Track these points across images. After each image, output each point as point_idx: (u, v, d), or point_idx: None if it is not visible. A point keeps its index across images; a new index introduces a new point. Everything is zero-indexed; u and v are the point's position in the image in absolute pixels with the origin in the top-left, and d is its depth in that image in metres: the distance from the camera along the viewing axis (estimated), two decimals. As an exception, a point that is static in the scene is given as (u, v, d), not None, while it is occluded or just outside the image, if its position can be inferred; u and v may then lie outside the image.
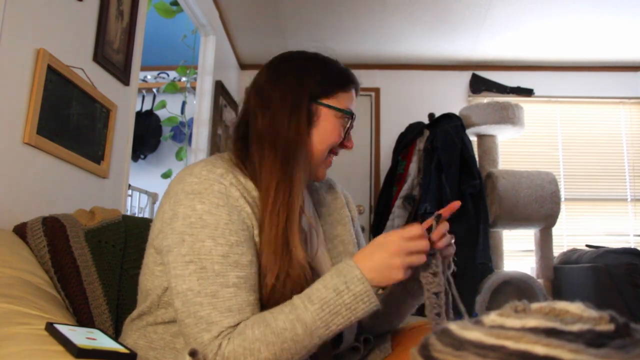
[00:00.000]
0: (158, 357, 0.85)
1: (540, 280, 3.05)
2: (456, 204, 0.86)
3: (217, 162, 0.85)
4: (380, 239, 0.79)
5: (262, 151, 0.86)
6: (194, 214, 0.78)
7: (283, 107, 0.88)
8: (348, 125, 0.93)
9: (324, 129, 0.90)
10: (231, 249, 0.77)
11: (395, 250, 0.77)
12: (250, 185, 0.85)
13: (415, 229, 0.79)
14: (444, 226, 0.85)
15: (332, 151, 0.94)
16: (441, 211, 0.85)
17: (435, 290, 0.83)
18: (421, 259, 0.79)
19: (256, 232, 0.82)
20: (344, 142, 0.94)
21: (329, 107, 0.90)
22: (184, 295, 0.76)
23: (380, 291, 0.84)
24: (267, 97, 0.90)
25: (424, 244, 0.79)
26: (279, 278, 0.80)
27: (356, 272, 0.76)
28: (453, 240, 0.88)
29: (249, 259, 0.79)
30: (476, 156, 3.14)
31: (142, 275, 0.93)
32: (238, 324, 0.75)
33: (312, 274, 0.84)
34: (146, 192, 3.08)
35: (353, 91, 0.94)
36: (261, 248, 0.82)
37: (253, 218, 0.82)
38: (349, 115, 0.92)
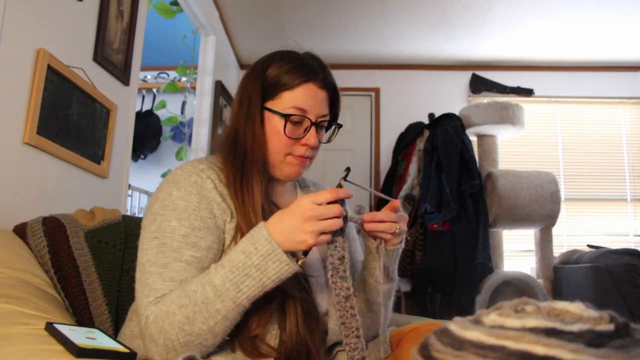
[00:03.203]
0: None
1: (540, 280, 3.05)
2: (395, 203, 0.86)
3: (205, 160, 0.93)
4: (292, 204, 0.78)
5: (226, 154, 0.92)
6: (169, 198, 0.86)
7: (240, 114, 0.94)
8: (306, 123, 0.91)
9: (271, 131, 0.92)
10: (193, 232, 0.83)
11: (305, 214, 0.75)
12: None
13: (327, 193, 0.77)
14: (387, 214, 0.85)
15: (298, 152, 0.93)
16: (366, 220, 0.85)
17: (341, 275, 0.80)
18: (334, 224, 0.76)
19: (228, 219, 0.87)
20: (301, 140, 0.92)
21: (270, 110, 0.92)
22: (142, 265, 0.82)
23: (301, 260, 0.79)
24: (232, 105, 0.97)
25: (336, 209, 0.76)
26: None
27: (263, 232, 0.76)
28: (404, 233, 0.87)
29: (207, 243, 0.84)
30: (476, 156, 3.14)
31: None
32: (173, 291, 0.78)
33: (303, 271, 0.87)
34: (146, 192, 3.08)
35: (308, 84, 0.92)
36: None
37: (225, 208, 0.87)
38: (287, 117, 0.90)
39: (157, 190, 0.90)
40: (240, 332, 0.82)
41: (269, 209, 0.90)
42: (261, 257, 0.74)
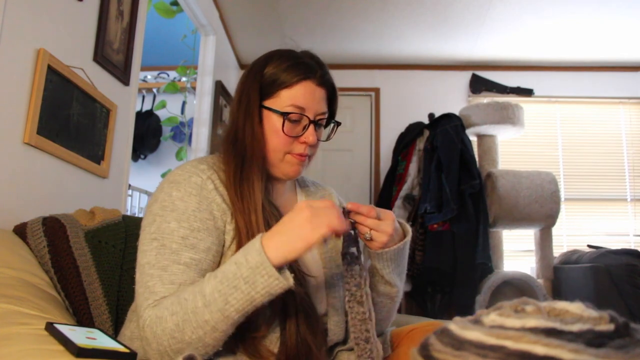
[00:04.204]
0: None
1: (540, 280, 3.05)
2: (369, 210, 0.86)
3: (205, 159, 0.92)
4: (290, 211, 0.77)
5: (226, 153, 0.92)
6: (169, 199, 0.85)
7: (239, 113, 0.93)
8: (304, 122, 0.91)
9: (270, 130, 0.91)
10: (192, 233, 0.82)
11: (302, 213, 0.74)
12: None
13: (325, 201, 0.77)
14: (368, 208, 0.84)
15: (297, 151, 0.93)
16: (349, 207, 0.85)
17: (358, 301, 0.80)
18: (334, 212, 0.75)
19: (228, 219, 0.86)
20: (299, 138, 0.92)
21: (269, 109, 0.91)
22: (142, 267, 0.82)
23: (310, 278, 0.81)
24: (232, 104, 0.97)
25: (331, 204, 0.76)
26: None
27: (256, 244, 0.73)
28: (386, 235, 0.86)
29: (206, 245, 0.83)
30: (476, 156, 3.14)
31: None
32: (172, 295, 0.78)
33: (300, 271, 0.88)
34: (146, 192, 3.08)
35: (306, 82, 0.91)
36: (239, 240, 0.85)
37: (225, 209, 0.86)
38: (286, 115, 0.90)
39: (156, 190, 0.89)
40: (242, 333, 0.81)
41: (269, 208, 0.90)
42: (250, 270, 0.72)
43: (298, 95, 0.91)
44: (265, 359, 0.82)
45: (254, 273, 0.72)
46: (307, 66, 0.93)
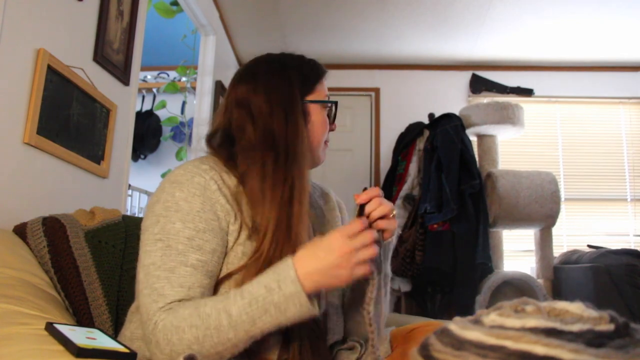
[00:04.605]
0: None
1: (540, 280, 3.04)
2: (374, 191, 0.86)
3: (206, 159, 0.91)
4: (323, 241, 0.76)
5: (262, 157, 0.88)
6: (172, 199, 0.84)
7: (277, 114, 0.91)
8: (333, 112, 1.01)
9: (317, 123, 0.97)
10: (197, 234, 0.82)
11: (341, 251, 0.74)
12: (233, 181, 0.89)
13: (356, 224, 0.76)
14: (374, 203, 0.85)
15: (327, 138, 1.02)
16: (360, 200, 0.85)
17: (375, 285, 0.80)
18: (372, 251, 0.76)
19: (231, 220, 0.86)
20: (331, 126, 1.01)
21: (316, 102, 0.97)
22: (147, 268, 0.81)
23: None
24: (256, 107, 0.92)
25: (369, 236, 0.76)
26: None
27: (290, 272, 0.74)
28: (393, 213, 0.87)
29: (212, 246, 0.83)
30: (476, 156, 3.14)
31: (137, 267, 0.94)
32: (182, 299, 0.78)
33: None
34: (146, 192, 3.08)
35: (323, 81, 1.00)
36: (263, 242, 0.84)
37: (229, 210, 0.86)
38: (332, 103, 0.99)
39: (158, 191, 0.88)
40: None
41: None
42: (283, 297, 0.73)
43: (325, 88, 1.00)
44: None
45: (286, 301, 0.73)
46: (321, 65, 1.02)
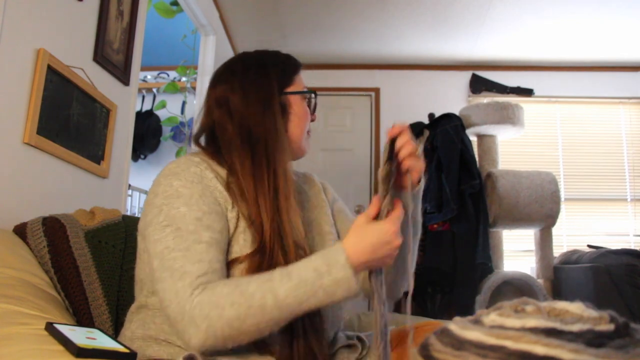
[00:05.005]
0: (154, 345, 0.85)
1: (540, 280, 3.04)
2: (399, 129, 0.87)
3: (196, 154, 0.93)
4: (375, 226, 0.80)
5: (240, 155, 0.90)
6: (171, 188, 0.85)
7: (254, 110, 0.93)
8: (313, 102, 1.02)
9: (298, 114, 0.98)
10: (204, 215, 0.83)
11: (394, 244, 0.79)
12: (224, 172, 0.91)
13: (398, 212, 0.81)
14: (403, 137, 0.85)
15: (308, 129, 1.02)
16: (392, 133, 0.86)
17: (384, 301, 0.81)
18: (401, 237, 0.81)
19: (229, 207, 0.87)
20: (311, 116, 1.02)
21: (295, 93, 0.98)
22: (161, 254, 0.80)
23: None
24: (234, 105, 0.94)
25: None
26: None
27: (341, 257, 0.76)
28: (419, 151, 0.87)
29: (220, 226, 0.84)
30: (476, 156, 3.14)
31: (136, 267, 0.95)
32: (207, 273, 0.78)
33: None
34: (146, 192, 3.07)
35: (299, 75, 1.02)
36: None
37: (226, 197, 0.87)
38: (311, 93, 1.00)
39: (154, 186, 0.88)
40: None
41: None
42: (333, 281, 0.75)
43: (302, 80, 1.01)
44: (269, 353, 0.82)
45: (336, 285, 0.75)
46: (295, 58, 1.04)
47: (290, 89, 0.98)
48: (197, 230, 0.81)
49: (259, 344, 0.81)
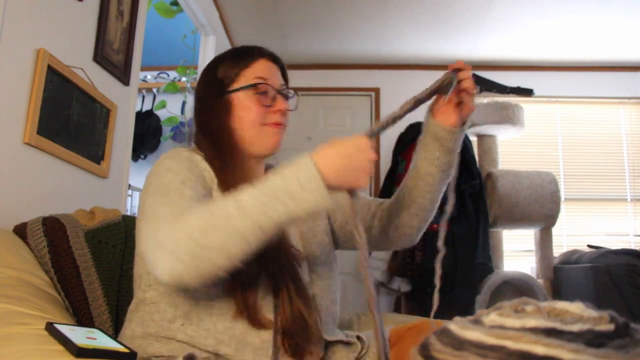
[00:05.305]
0: (154, 342, 0.86)
1: (540, 280, 3.04)
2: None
3: (184, 147, 0.98)
4: (347, 138, 0.78)
5: (202, 148, 0.96)
6: (161, 169, 0.88)
7: (204, 109, 0.99)
8: (271, 91, 0.97)
9: (241, 111, 0.96)
10: (190, 181, 0.84)
11: (358, 144, 0.76)
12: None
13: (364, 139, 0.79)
14: (468, 72, 0.91)
15: (273, 120, 0.97)
16: (456, 65, 0.91)
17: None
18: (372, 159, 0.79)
19: (215, 187, 0.90)
20: (272, 108, 0.97)
21: (236, 90, 0.96)
22: (145, 212, 0.81)
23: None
24: (195, 103, 1.02)
25: (372, 154, 0.79)
26: None
27: (307, 159, 0.72)
28: (475, 91, 0.92)
29: (205, 193, 0.85)
30: (476, 156, 3.14)
31: (135, 264, 0.97)
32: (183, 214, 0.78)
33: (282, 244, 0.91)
34: (146, 192, 3.07)
35: (261, 59, 0.99)
36: None
37: (213, 177, 0.91)
38: (254, 85, 0.95)
39: (147, 177, 0.91)
40: (238, 300, 0.83)
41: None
42: (298, 184, 0.70)
43: (258, 70, 0.98)
44: (265, 326, 0.84)
45: (302, 188, 0.70)
46: (257, 48, 1.03)
47: (235, 85, 0.96)
48: (181, 189, 0.82)
49: (253, 319, 0.82)
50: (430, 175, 1.00)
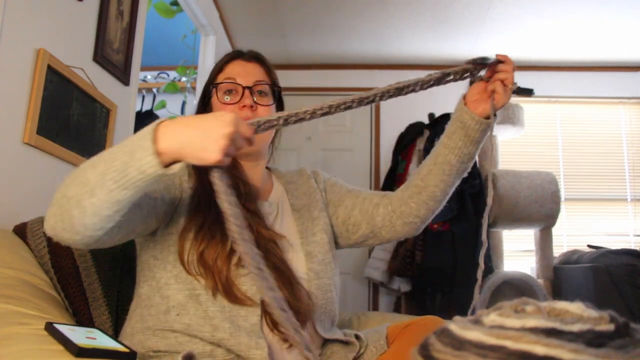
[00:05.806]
0: (152, 337, 0.86)
1: (540, 280, 3.04)
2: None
3: None
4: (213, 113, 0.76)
5: None
6: None
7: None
8: (238, 90, 1.00)
9: (214, 109, 1.03)
10: None
11: (222, 115, 0.69)
12: None
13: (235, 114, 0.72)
14: (509, 65, 0.91)
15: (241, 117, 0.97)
16: (498, 56, 0.91)
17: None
18: (245, 143, 0.72)
19: (185, 178, 0.94)
20: (238, 104, 1.00)
21: (210, 96, 1.04)
22: None
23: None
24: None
25: (248, 129, 0.73)
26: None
27: (155, 123, 0.70)
28: (514, 87, 0.92)
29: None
30: (476, 156, 3.13)
31: (137, 264, 0.98)
32: None
33: (279, 241, 0.95)
34: (146, 192, 3.07)
35: (235, 61, 1.05)
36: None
37: (191, 171, 0.95)
38: (215, 86, 1.02)
39: None
40: (213, 276, 0.84)
41: (244, 188, 0.95)
42: (136, 141, 0.69)
43: (228, 71, 1.03)
44: (243, 302, 0.85)
45: (134, 145, 0.68)
46: (235, 51, 1.08)
47: (214, 91, 1.03)
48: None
49: (229, 293, 0.84)
50: (448, 164, 1.01)
